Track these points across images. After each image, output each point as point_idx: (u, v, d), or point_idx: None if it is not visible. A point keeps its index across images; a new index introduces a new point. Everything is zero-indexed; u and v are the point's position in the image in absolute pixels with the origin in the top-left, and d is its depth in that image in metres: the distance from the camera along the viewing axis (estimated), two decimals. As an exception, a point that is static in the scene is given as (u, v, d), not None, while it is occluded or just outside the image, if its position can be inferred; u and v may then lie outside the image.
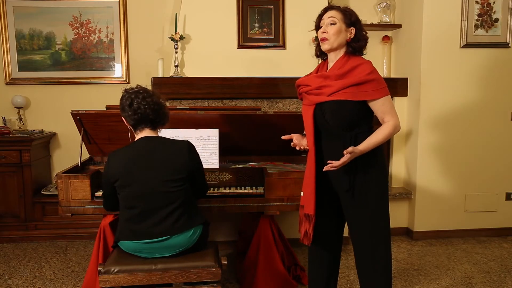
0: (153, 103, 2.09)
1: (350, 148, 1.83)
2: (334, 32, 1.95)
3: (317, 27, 2.03)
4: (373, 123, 2.01)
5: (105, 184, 2.14)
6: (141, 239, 2.06)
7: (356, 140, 1.93)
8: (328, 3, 3.69)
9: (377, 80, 1.91)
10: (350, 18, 1.96)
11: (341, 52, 2.00)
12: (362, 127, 1.96)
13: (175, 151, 2.09)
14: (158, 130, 2.18)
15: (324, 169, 1.92)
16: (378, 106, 1.92)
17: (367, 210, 1.97)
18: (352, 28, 1.97)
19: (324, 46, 1.98)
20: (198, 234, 2.15)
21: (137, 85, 2.18)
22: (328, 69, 2.03)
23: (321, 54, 2.08)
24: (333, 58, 2.02)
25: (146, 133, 2.13)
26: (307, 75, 2.10)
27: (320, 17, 2.01)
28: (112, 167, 2.08)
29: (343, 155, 1.89)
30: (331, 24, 1.95)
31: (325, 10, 2.00)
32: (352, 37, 1.97)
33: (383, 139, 1.91)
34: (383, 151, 1.99)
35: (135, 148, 2.10)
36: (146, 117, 2.08)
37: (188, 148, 2.11)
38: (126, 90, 2.13)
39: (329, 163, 1.89)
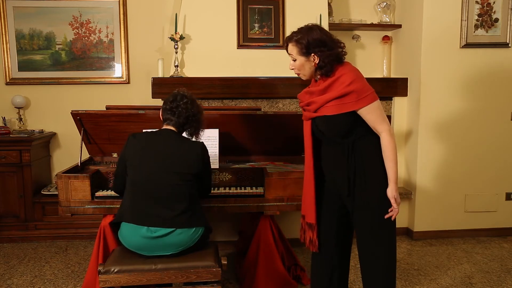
0: (190, 111, 2.22)
1: (390, 196, 1.91)
2: (298, 67, 1.96)
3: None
4: (368, 126, 1.99)
5: (119, 161, 2.23)
6: (140, 224, 2.08)
7: (353, 146, 1.95)
8: (328, 3, 3.70)
9: (358, 89, 1.86)
10: (302, 47, 1.90)
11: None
12: (359, 133, 1.95)
13: (189, 148, 2.19)
14: (185, 134, 2.30)
15: (386, 217, 1.95)
16: (365, 114, 1.91)
17: (370, 213, 1.97)
18: (312, 54, 1.90)
19: (303, 78, 2.01)
20: (200, 234, 2.17)
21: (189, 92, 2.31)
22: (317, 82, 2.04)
23: None
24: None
25: (172, 128, 2.24)
26: (304, 89, 2.09)
27: (286, 49, 2.00)
28: (129, 147, 2.18)
29: (341, 161, 1.96)
30: (293, 60, 1.96)
31: (286, 44, 1.99)
32: (317, 62, 1.91)
33: (394, 153, 1.94)
34: (380, 154, 1.97)
35: (157, 136, 2.21)
36: (178, 118, 2.21)
37: (201, 148, 2.22)
38: (178, 90, 2.30)
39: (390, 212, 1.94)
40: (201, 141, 2.29)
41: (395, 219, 1.97)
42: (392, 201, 1.92)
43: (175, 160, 2.14)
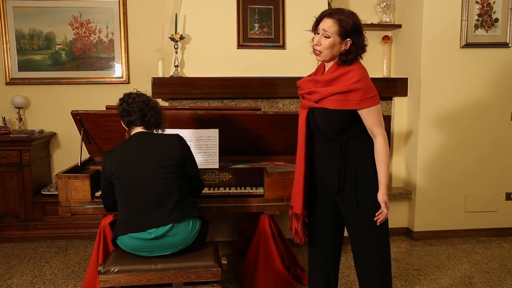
0: (142, 101, 2.22)
1: (381, 200, 1.90)
2: (327, 46, 1.86)
3: (314, 29, 1.94)
4: (365, 126, 1.98)
5: (103, 181, 2.23)
6: (138, 231, 2.07)
7: (347, 143, 1.93)
8: (328, 3, 3.69)
9: (364, 89, 1.84)
10: (346, 28, 1.83)
11: (334, 60, 1.94)
12: (354, 131, 1.93)
13: (166, 142, 2.20)
14: (154, 130, 2.29)
15: (378, 222, 1.92)
16: (364, 116, 1.89)
17: (361, 212, 1.95)
18: (348, 39, 1.85)
19: (317, 58, 1.93)
20: (197, 230, 2.16)
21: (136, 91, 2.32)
22: (325, 72, 1.99)
23: None
24: (328, 64, 1.97)
25: (139, 130, 2.23)
26: (306, 76, 2.07)
27: (317, 21, 1.91)
28: (107, 163, 2.18)
29: (333, 157, 1.94)
30: (325, 36, 1.86)
31: (322, 16, 1.89)
32: (347, 48, 1.86)
33: (387, 157, 1.90)
34: (373, 155, 1.95)
35: (129, 143, 2.21)
36: (134, 114, 2.20)
37: (178, 139, 2.22)
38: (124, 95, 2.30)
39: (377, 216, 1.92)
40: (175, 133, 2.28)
41: (387, 219, 1.97)
42: (383, 205, 1.90)
43: (156, 156, 2.14)
